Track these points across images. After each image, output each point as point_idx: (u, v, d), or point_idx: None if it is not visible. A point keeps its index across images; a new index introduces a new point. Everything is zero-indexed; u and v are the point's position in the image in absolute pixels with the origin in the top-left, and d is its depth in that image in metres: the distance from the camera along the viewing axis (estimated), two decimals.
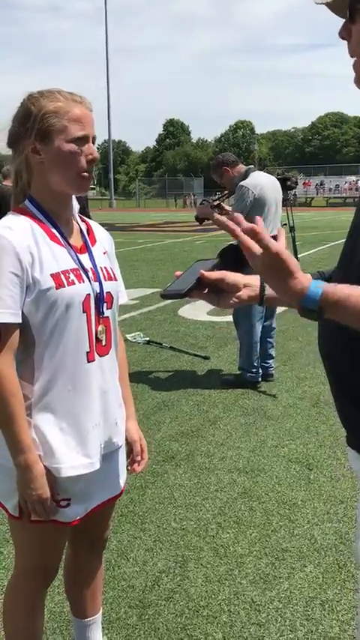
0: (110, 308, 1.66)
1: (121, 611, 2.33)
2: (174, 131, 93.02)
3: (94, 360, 1.60)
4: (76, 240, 1.64)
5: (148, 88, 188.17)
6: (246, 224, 1.08)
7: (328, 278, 1.40)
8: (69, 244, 1.60)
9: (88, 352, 1.59)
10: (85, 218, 1.75)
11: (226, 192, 5.03)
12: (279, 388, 4.89)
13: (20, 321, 1.50)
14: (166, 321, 7.27)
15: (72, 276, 1.55)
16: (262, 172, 4.98)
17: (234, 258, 4.85)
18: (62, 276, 1.53)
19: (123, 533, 2.83)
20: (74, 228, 1.66)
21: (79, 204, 1.73)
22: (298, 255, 6.43)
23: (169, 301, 8.16)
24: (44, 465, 1.54)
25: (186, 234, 21.44)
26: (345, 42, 1.14)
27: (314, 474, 3.42)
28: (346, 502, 3.10)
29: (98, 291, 1.61)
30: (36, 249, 1.52)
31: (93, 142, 1.57)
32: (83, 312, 1.57)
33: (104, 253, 1.72)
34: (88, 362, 1.59)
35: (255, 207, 4.58)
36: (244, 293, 1.37)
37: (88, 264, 1.62)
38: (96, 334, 1.61)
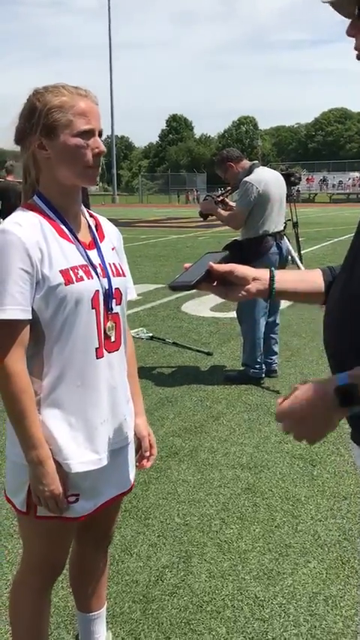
0: (119, 304, 1.66)
1: (125, 605, 2.33)
2: (177, 127, 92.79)
3: (103, 357, 1.61)
4: (84, 236, 1.64)
5: (152, 83, 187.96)
6: None
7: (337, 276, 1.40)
8: (78, 240, 1.60)
9: (97, 348, 1.59)
10: (93, 214, 1.75)
11: (229, 187, 5.03)
12: (282, 384, 4.89)
13: (30, 317, 1.50)
14: (169, 316, 7.27)
15: (81, 273, 1.55)
16: (266, 168, 4.97)
17: (238, 253, 4.87)
18: (71, 272, 1.53)
19: (127, 529, 2.84)
20: (83, 224, 1.66)
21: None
22: (302, 252, 6.42)
23: (173, 297, 8.18)
24: (55, 460, 1.54)
25: (189, 229, 21.42)
26: (351, 39, 1.13)
27: (317, 470, 3.42)
28: (349, 498, 3.10)
29: (107, 288, 1.61)
30: (45, 246, 1.52)
31: (99, 136, 1.57)
32: (92, 308, 1.57)
33: (113, 249, 1.72)
34: (97, 358, 1.59)
35: (259, 203, 4.58)
36: (253, 286, 1.36)
37: (96, 261, 1.62)
38: (105, 330, 1.61)
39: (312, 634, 2.18)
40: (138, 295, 8.60)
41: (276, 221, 4.72)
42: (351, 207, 37.15)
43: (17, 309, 1.47)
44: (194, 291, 1.37)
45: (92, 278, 1.57)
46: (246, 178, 4.60)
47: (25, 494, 1.60)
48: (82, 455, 1.58)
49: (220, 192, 5.13)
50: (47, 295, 1.50)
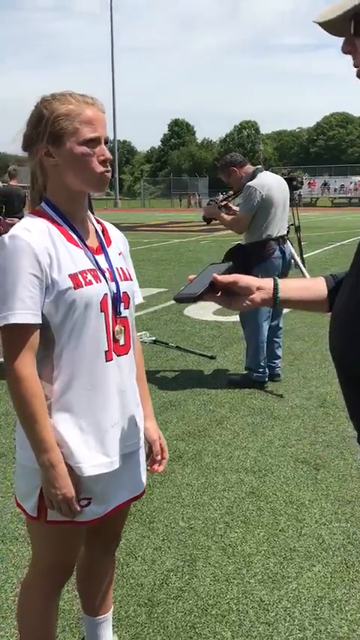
0: (127, 308, 1.67)
1: (130, 609, 2.34)
2: (179, 131, 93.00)
3: (112, 360, 1.62)
4: (92, 241, 1.66)
5: (153, 87, 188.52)
6: None
7: (340, 281, 1.41)
8: (85, 245, 1.62)
9: (106, 351, 1.60)
10: (100, 220, 1.77)
11: (232, 192, 5.05)
12: (286, 388, 4.89)
13: (40, 321, 1.51)
14: (172, 320, 7.28)
15: (89, 277, 1.57)
16: (269, 172, 4.99)
17: (242, 257, 4.88)
18: (80, 276, 1.55)
19: (131, 532, 2.84)
20: (90, 230, 1.68)
21: None
22: (304, 256, 6.42)
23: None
24: (67, 464, 1.55)
25: (191, 233, 21.45)
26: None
27: (321, 473, 3.42)
28: (353, 502, 3.10)
29: (115, 291, 1.62)
30: (54, 251, 1.53)
31: (105, 143, 1.59)
32: (101, 311, 1.58)
33: (120, 254, 1.74)
34: (107, 361, 1.60)
35: (262, 208, 4.60)
36: (257, 296, 1.38)
37: (104, 265, 1.64)
38: (114, 334, 1.62)
39: (317, 638, 2.18)
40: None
41: (279, 225, 4.73)
42: (353, 211, 37.17)
43: (28, 314, 1.48)
44: None
45: (100, 282, 1.59)
46: (249, 183, 4.62)
47: (36, 498, 1.60)
48: (94, 458, 1.59)
49: (222, 196, 5.14)
50: (57, 299, 1.51)
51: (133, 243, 16.71)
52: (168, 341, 6.24)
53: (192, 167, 76.56)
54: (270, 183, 4.68)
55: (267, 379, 4.94)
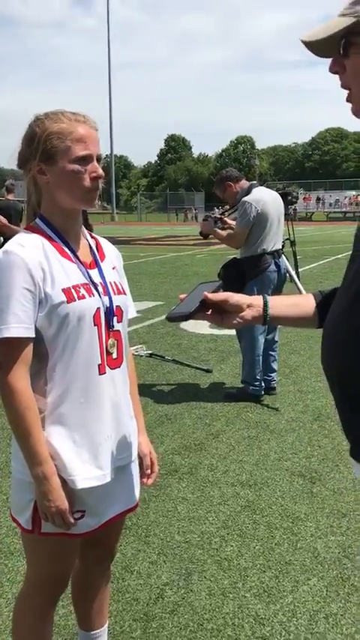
0: (120, 321, 1.69)
1: (125, 624, 2.33)
2: (175, 146, 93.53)
3: (105, 373, 1.63)
4: (85, 255, 1.68)
5: (150, 103, 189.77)
6: None
7: (327, 296, 1.43)
8: (79, 260, 1.64)
9: (99, 365, 1.62)
10: (94, 235, 1.79)
11: (227, 207, 5.09)
12: (281, 402, 4.90)
13: (34, 335, 1.53)
14: (168, 334, 7.30)
15: (82, 291, 1.59)
16: (264, 188, 5.04)
17: (236, 272, 4.91)
18: (73, 290, 1.57)
19: (127, 546, 2.84)
20: (84, 245, 1.71)
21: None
22: (299, 270, 6.46)
23: None
24: (60, 477, 1.56)
25: (187, 247, 21.53)
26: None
27: (317, 487, 3.42)
28: (349, 515, 3.11)
29: (108, 305, 1.64)
30: (47, 265, 1.55)
31: (98, 161, 1.61)
32: (94, 325, 1.60)
33: (113, 268, 1.76)
34: (100, 374, 1.62)
35: (258, 222, 4.64)
36: (247, 313, 1.41)
37: (97, 279, 1.66)
38: (107, 347, 1.64)
39: None
40: (137, 312, 8.62)
41: (274, 240, 4.77)
42: (348, 225, 37.36)
43: (21, 327, 1.50)
44: None
45: (93, 296, 1.61)
46: (245, 198, 4.67)
47: (30, 511, 1.61)
48: (87, 471, 1.59)
49: (218, 211, 5.18)
50: (50, 313, 1.53)
51: (130, 256, 16.81)
52: (164, 354, 6.25)
53: (188, 182, 76.96)
54: (265, 198, 4.72)
55: (263, 393, 4.95)
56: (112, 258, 1.79)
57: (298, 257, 7.82)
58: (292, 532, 2.96)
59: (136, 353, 6.19)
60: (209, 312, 1.42)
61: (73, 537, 1.64)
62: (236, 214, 4.80)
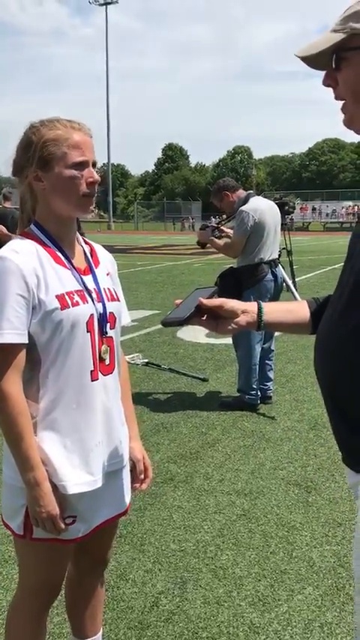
0: (113, 328, 1.70)
1: (120, 632, 2.32)
2: (173, 155, 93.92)
3: (98, 379, 1.64)
4: (80, 262, 1.69)
5: (148, 112, 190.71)
6: None
7: (321, 303, 1.46)
8: (73, 266, 1.65)
9: (92, 371, 1.62)
10: (88, 241, 1.80)
11: (224, 216, 5.12)
12: (277, 411, 4.91)
13: (27, 341, 1.54)
14: (164, 342, 7.30)
15: (76, 297, 1.59)
16: (261, 197, 5.07)
17: (233, 281, 4.93)
18: (67, 297, 1.57)
19: (122, 554, 2.83)
20: (78, 251, 1.72)
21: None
22: (296, 279, 6.49)
23: None
24: (51, 482, 1.56)
25: (184, 256, 21.58)
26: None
27: (313, 496, 3.43)
28: (344, 525, 3.11)
29: (101, 312, 1.65)
30: (41, 272, 1.56)
31: (93, 167, 1.63)
32: (87, 331, 1.61)
33: (107, 275, 1.77)
34: (92, 381, 1.63)
35: (255, 232, 4.66)
36: (242, 319, 1.43)
37: (91, 286, 1.67)
38: (100, 354, 1.65)
39: None
40: (133, 321, 8.71)
41: (271, 249, 4.80)
42: (344, 235, 37.48)
43: (14, 334, 1.50)
44: None
45: (87, 302, 1.62)
46: (242, 207, 4.69)
47: (22, 517, 1.61)
48: (78, 476, 1.60)
49: (214, 220, 5.21)
50: (43, 319, 1.54)
51: (127, 265, 16.85)
52: (161, 363, 6.26)
53: (185, 191, 77.22)
54: (262, 207, 4.75)
55: (259, 402, 4.96)
56: (107, 264, 1.80)
57: (294, 267, 7.84)
58: (287, 541, 2.96)
59: (133, 361, 6.20)
60: (204, 318, 1.43)
61: (64, 543, 1.64)
62: (233, 223, 4.83)
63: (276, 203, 5.13)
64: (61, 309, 1.55)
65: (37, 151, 1.58)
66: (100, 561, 1.92)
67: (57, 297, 1.56)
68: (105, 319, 1.66)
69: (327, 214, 52.24)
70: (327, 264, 16.63)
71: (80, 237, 1.76)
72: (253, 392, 4.89)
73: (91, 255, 1.75)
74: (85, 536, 1.67)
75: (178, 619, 2.39)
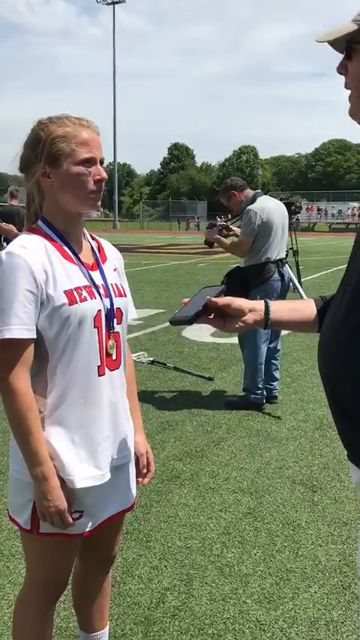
0: (120, 323, 1.71)
1: (127, 627, 2.34)
2: (178, 155, 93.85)
3: (104, 374, 1.65)
4: (87, 257, 1.70)
5: (154, 112, 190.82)
6: None
7: (329, 302, 1.46)
8: (81, 262, 1.66)
9: (99, 366, 1.64)
10: (95, 237, 1.81)
11: (230, 215, 5.13)
12: (283, 410, 4.91)
13: (35, 336, 1.55)
14: (170, 341, 7.31)
15: (84, 293, 1.61)
16: (268, 197, 5.08)
17: (240, 280, 4.93)
18: (75, 292, 1.59)
19: (128, 551, 2.84)
20: (85, 247, 1.73)
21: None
22: (302, 279, 6.49)
23: None
24: (59, 477, 1.58)
25: (189, 256, 21.58)
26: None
27: (318, 495, 3.43)
28: (349, 524, 3.11)
29: (109, 307, 1.66)
30: (50, 267, 1.57)
31: (101, 164, 1.64)
32: (95, 327, 1.62)
33: (114, 270, 1.78)
34: (99, 376, 1.64)
35: (262, 231, 4.67)
36: (249, 317, 1.44)
37: (99, 281, 1.68)
38: (106, 349, 1.66)
39: None
40: (139, 320, 8.72)
41: (278, 248, 4.80)
42: (350, 236, 37.41)
43: (23, 329, 1.51)
44: None
45: (95, 298, 1.63)
46: (249, 207, 4.70)
47: (29, 512, 1.62)
48: (85, 471, 1.61)
49: (221, 219, 5.22)
50: (51, 315, 1.55)
51: (132, 264, 16.86)
52: (166, 362, 6.27)
53: (191, 190, 77.20)
54: (270, 207, 4.76)
55: (264, 401, 4.96)
56: (114, 259, 1.81)
57: (300, 267, 7.86)
58: (292, 540, 2.97)
59: (138, 360, 6.21)
60: (212, 316, 1.44)
61: (71, 538, 1.65)
62: (241, 223, 4.83)
63: (283, 203, 5.14)
64: (69, 305, 1.56)
65: (46, 148, 1.59)
66: (107, 557, 1.93)
67: (65, 292, 1.57)
68: (112, 315, 1.67)
69: (333, 215, 52.14)
70: (333, 265, 16.61)
71: (87, 233, 1.77)
72: (258, 391, 4.89)
73: (99, 251, 1.76)
74: (92, 531, 1.69)
75: (184, 615, 2.40)
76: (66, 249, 1.64)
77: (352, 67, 1.20)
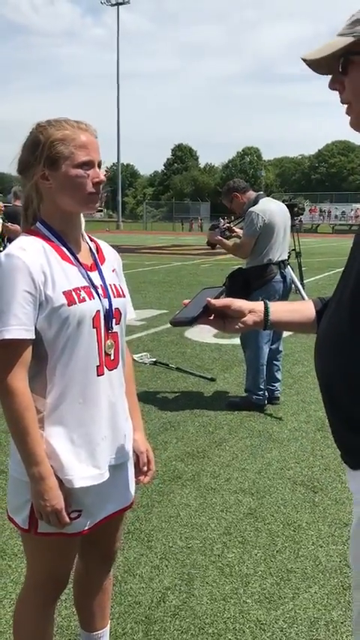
0: (118, 323, 1.73)
1: (127, 626, 2.35)
2: (182, 156, 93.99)
3: (103, 374, 1.67)
4: (86, 258, 1.72)
5: (158, 113, 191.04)
6: None
7: (326, 303, 1.48)
8: (79, 263, 1.67)
9: (98, 366, 1.65)
10: (94, 238, 1.83)
11: (232, 217, 5.15)
12: (285, 411, 4.92)
13: (33, 337, 1.56)
14: (172, 342, 7.33)
15: (83, 294, 1.62)
16: (271, 198, 5.09)
17: (242, 281, 4.94)
18: (74, 293, 1.60)
19: (130, 550, 2.86)
20: (84, 248, 1.74)
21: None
22: (304, 281, 6.50)
23: None
24: (57, 477, 1.59)
25: (192, 257, 21.59)
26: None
27: (319, 496, 3.44)
28: (350, 525, 3.11)
29: (107, 308, 1.68)
30: (48, 268, 1.59)
31: (99, 167, 1.66)
32: (93, 327, 1.64)
33: (113, 271, 1.80)
34: (98, 375, 1.66)
35: (264, 233, 4.68)
36: (249, 318, 1.46)
37: (98, 282, 1.69)
38: (105, 349, 1.67)
39: None
40: (142, 320, 8.74)
41: (280, 250, 4.82)
42: (353, 238, 37.39)
43: (21, 329, 1.53)
44: None
45: (94, 299, 1.64)
46: (252, 208, 4.72)
47: (27, 511, 1.64)
48: (84, 470, 1.63)
49: (223, 221, 5.24)
50: (50, 315, 1.57)
51: (135, 265, 16.88)
52: (168, 362, 6.28)
53: (194, 192, 77.26)
54: (272, 208, 4.77)
55: (266, 402, 4.97)
56: (112, 260, 1.82)
57: (303, 268, 7.84)
58: (293, 540, 2.98)
59: (141, 360, 6.23)
60: (212, 317, 1.46)
61: (69, 537, 1.67)
62: (243, 224, 4.85)
63: (285, 205, 5.15)
64: (68, 306, 1.58)
65: (45, 150, 1.60)
66: (107, 555, 1.94)
67: (64, 293, 1.58)
68: (111, 315, 1.69)
69: (336, 216, 52.14)
70: (335, 266, 16.59)
71: (86, 235, 1.78)
72: (260, 392, 4.91)
73: (97, 252, 1.78)
74: (91, 529, 1.70)
75: (184, 614, 2.42)
76: (64, 250, 1.65)
77: (350, 80, 1.20)
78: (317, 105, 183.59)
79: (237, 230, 5.06)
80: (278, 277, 4.77)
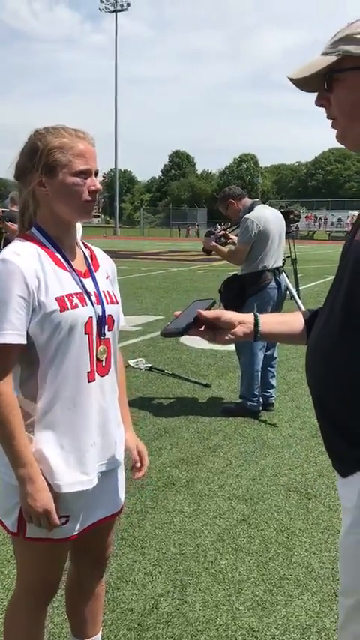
0: (111, 330, 1.74)
1: (120, 633, 2.35)
2: (179, 162, 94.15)
3: (94, 380, 1.67)
4: (80, 265, 1.73)
5: (156, 119, 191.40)
6: None
7: (314, 314, 1.50)
8: (73, 269, 1.68)
9: (89, 372, 1.66)
10: (88, 244, 1.84)
11: (229, 223, 5.18)
12: (279, 418, 4.93)
13: (25, 342, 1.57)
14: (168, 348, 7.33)
15: (76, 300, 1.63)
16: (266, 206, 5.12)
17: (237, 288, 4.96)
18: (66, 299, 1.61)
19: (122, 557, 2.86)
20: (78, 254, 1.75)
21: None
22: (300, 288, 6.52)
23: None
24: (46, 482, 1.59)
25: (189, 263, 21.62)
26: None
27: (313, 503, 3.45)
28: None
29: (100, 314, 1.69)
30: (42, 274, 1.60)
31: (95, 175, 1.68)
32: (85, 333, 1.64)
33: (107, 278, 1.81)
34: (89, 382, 1.66)
35: (259, 240, 4.70)
36: (239, 330, 1.48)
37: (91, 288, 1.70)
38: (97, 355, 1.68)
39: None
40: (138, 326, 8.74)
41: (275, 257, 4.83)
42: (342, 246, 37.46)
43: (15, 334, 1.54)
44: None
45: (86, 305, 1.65)
46: (247, 215, 4.74)
47: (16, 515, 1.64)
48: (72, 476, 1.63)
49: (219, 227, 5.26)
50: (42, 321, 1.57)
51: (132, 270, 16.90)
52: (164, 368, 6.28)
53: (191, 198, 77.39)
54: (267, 216, 4.79)
55: (261, 408, 4.98)
56: (106, 267, 1.83)
57: (299, 275, 7.88)
58: (286, 547, 2.98)
59: (136, 366, 6.23)
60: (202, 329, 1.48)
61: (58, 542, 1.67)
62: (238, 231, 4.87)
63: (281, 212, 5.18)
64: (61, 311, 1.58)
65: (43, 157, 1.61)
66: (99, 561, 1.94)
67: (57, 299, 1.59)
68: (104, 321, 1.70)
69: (332, 223, 52.31)
70: (331, 273, 16.53)
71: (80, 241, 1.79)
72: (255, 399, 4.91)
73: (91, 259, 1.79)
74: (80, 534, 1.70)
75: (177, 621, 2.41)
76: (58, 256, 1.66)
77: (335, 97, 1.24)
78: (314, 112, 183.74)
79: (232, 237, 5.08)
80: (273, 284, 4.79)
